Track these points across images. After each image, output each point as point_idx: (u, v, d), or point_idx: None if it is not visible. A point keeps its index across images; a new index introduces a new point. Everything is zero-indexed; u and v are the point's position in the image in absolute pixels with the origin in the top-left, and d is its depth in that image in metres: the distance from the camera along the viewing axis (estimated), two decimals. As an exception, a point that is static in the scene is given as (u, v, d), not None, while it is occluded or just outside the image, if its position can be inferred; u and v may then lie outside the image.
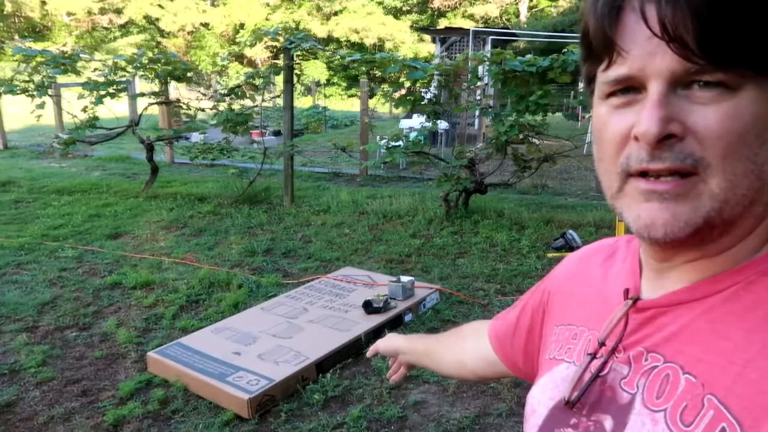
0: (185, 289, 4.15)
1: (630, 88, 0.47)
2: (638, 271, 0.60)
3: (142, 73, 6.87)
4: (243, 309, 3.78)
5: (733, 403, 0.45)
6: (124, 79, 6.82)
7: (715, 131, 0.44)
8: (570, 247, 5.28)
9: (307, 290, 4.03)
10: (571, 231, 5.45)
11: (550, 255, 5.17)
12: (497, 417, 2.72)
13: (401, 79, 5.79)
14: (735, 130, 0.44)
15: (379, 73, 6.48)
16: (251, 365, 2.89)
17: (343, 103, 25.29)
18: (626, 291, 0.59)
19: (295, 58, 6.49)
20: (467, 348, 0.98)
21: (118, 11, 30.25)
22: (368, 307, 3.58)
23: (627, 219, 0.50)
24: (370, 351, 1.13)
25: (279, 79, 7.45)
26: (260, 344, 3.15)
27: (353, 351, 3.21)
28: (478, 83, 5.81)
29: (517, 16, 30.33)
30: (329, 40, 27.17)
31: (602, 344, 0.58)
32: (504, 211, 6.39)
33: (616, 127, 0.48)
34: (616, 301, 0.60)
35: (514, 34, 13.52)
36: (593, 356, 0.59)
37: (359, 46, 25.38)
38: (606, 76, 0.49)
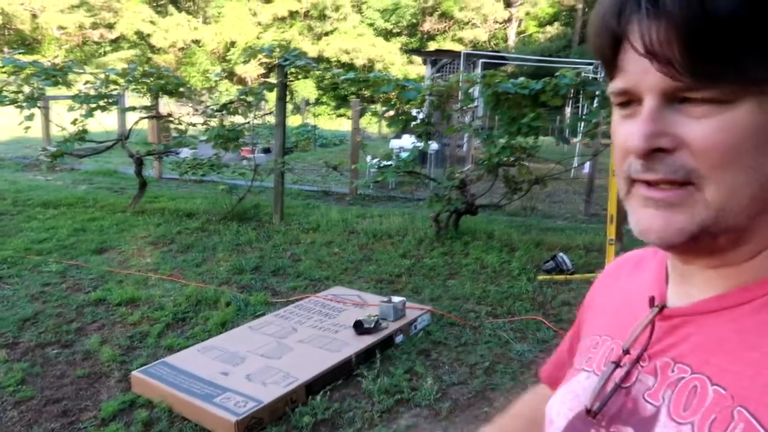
0: (171, 307, 4.07)
1: (631, 100, 0.49)
2: (665, 278, 0.59)
3: (135, 87, 6.83)
4: (231, 328, 3.71)
5: (764, 415, 0.43)
6: (115, 92, 6.77)
7: (707, 144, 0.45)
8: (560, 270, 5.28)
9: (296, 309, 3.97)
10: (561, 254, 5.45)
11: (540, 278, 5.16)
12: (490, 442, 2.66)
13: (393, 100, 5.80)
14: (728, 142, 0.44)
15: (369, 93, 6.50)
16: (239, 386, 2.82)
17: (331, 122, 25.41)
18: (652, 299, 0.58)
19: (288, 76, 6.49)
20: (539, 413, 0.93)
21: (110, 26, 30.27)
22: (359, 327, 3.53)
23: (630, 222, 0.52)
24: None
25: (270, 96, 7.43)
26: (248, 364, 3.08)
27: (344, 372, 3.15)
28: (470, 105, 5.85)
29: (505, 41, 30.83)
30: (320, 59, 27.39)
31: (627, 352, 0.57)
32: (494, 232, 6.39)
33: (621, 136, 0.51)
34: (642, 309, 0.59)
35: (504, 58, 13.72)
36: (617, 364, 0.57)
37: (349, 67, 25.63)
38: (610, 88, 0.51)
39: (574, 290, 4.89)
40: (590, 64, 7.73)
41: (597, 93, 5.15)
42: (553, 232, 6.76)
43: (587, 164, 7.88)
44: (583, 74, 5.25)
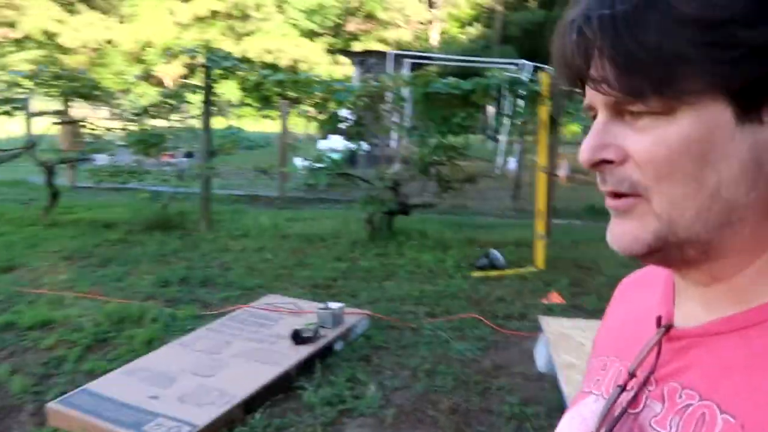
0: (91, 327, 3.78)
1: (595, 115, 0.50)
2: (672, 297, 0.57)
3: (44, 90, 6.35)
4: (158, 346, 3.48)
5: None
6: (21, 96, 6.26)
7: (646, 156, 0.45)
8: (493, 266, 5.37)
9: (229, 322, 3.79)
10: (493, 250, 5.55)
11: (474, 274, 5.22)
12: (437, 447, 2.63)
13: (322, 101, 5.70)
14: (665, 154, 0.44)
15: (296, 94, 6.34)
16: (171, 410, 2.64)
17: (255, 124, 24.86)
18: (659, 318, 0.55)
19: (213, 77, 6.23)
20: None
21: (12, 25, 28.20)
22: (297, 337, 3.40)
23: None
24: None
25: (192, 98, 7.13)
26: (180, 385, 2.89)
27: (283, 386, 3.02)
28: (395, 105, 5.84)
29: (428, 42, 31.33)
30: (242, 60, 26.67)
31: (633, 375, 0.55)
32: (427, 232, 6.42)
33: None
34: (649, 329, 0.56)
35: (431, 58, 13.85)
36: (622, 388, 0.55)
37: (273, 67, 25.09)
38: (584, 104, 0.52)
39: (508, 286, 4.98)
40: (514, 64, 7.94)
41: (524, 93, 5.27)
42: (484, 229, 6.88)
43: (513, 161, 8.08)
44: (510, 75, 5.35)
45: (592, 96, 0.48)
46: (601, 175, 0.49)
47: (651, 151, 0.45)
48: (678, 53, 0.42)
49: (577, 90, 0.52)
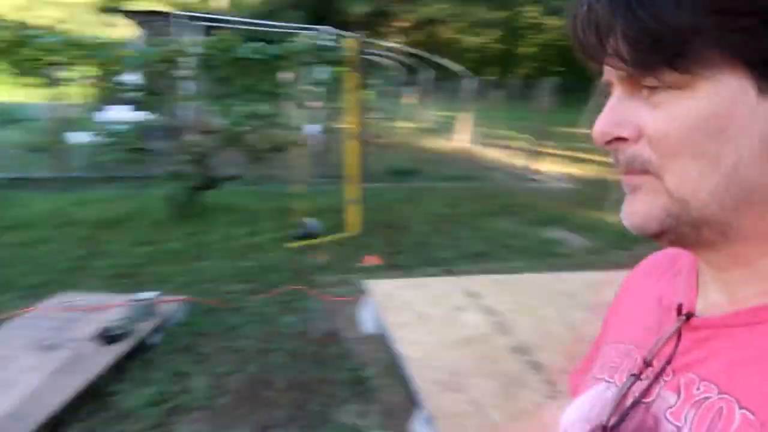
0: None
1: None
2: (695, 284, 0.55)
3: None
4: None
5: None
6: None
7: (659, 132, 0.44)
8: (309, 235, 5.35)
9: (10, 331, 3.19)
10: (307, 219, 5.52)
11: (291, 245, 5.15)
12: (280, 427, 2.55)
13: (103, 66, 5.00)
14: (679, 130, 0.43)
15: (67, 59, 5.47)
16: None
17: (11, 93, 21.21)
18: (679, 306, 0.53)
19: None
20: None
21: None
22: (105, 336, 3.00)
23: None
24: None
25: None
26: (-45, 417, 2.36)
27: (96, 394, 2.65)
28: (193, 71, 5.39)
29: (213, 2, 29.57)
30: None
31: (649, 364, 0.53)
32: (237, 205, 6.14)
33: None
34: (669, 317, 0.54)
35: (224, 21, 12.95)
36: (637, 377, 0.53)
37: (25, 27, 21.46)
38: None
39: (326, 253, 5.00)
40: (313, 29, 7.83)
41: (330, 59, 5.20)
42: (296, 198, 6.82)
43: (318, 127, 8.09)
44: (318, 42, 5.25)
45: (608, 71, 0.47)
46: (614, 155, 0.47)
47: (665, 127, 0.44)
48: (690, 24, 0.40)
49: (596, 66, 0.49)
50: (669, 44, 0.41)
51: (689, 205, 0.45)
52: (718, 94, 0.42)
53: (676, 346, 0.51)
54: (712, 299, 0.52)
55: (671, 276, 0.61)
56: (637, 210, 0.47)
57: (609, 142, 0.47)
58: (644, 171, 0.46)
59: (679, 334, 0.52)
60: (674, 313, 0.53)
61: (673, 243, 0.49)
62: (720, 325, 0.49)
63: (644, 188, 0.47)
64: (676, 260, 0.62)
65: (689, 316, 0.52)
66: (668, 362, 0.51)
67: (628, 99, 0.46)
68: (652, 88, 0.44)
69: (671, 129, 0.43)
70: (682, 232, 0.47)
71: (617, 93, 0.46)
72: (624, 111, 0.46)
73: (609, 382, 0.58)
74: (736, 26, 0.40)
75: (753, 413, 0.43)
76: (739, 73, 0.41)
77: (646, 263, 0.70)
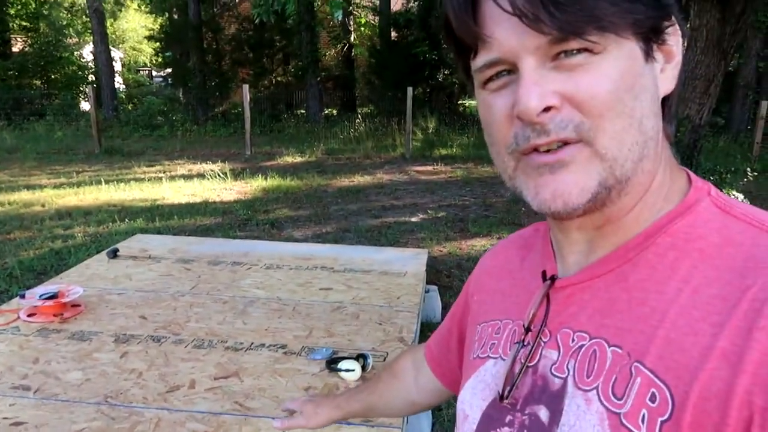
0: None
1: (503, 71, 0.49)
2: (551, 252, 0.60)
3: None
4: None
5: (659, 366, 0.45)
6: None
7: (587, 94, 0.46)
8: None
9: None
10: None
11: None
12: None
13: None
14: (605, 88, 0.46)
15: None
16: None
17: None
18: (543, 273, 0.59)
19: None
20: (410, 386, 0.91)
21: None
22: None
23: (527, 197, 0.51)
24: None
25: None
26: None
27: None
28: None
29: None
30: None
31: (528, 330, 0.57)
32: None
33: (499, 110, 0.50)
34: (536, 286, 0.59)
35: None
36: (521, 344, 0.57)
37: None
38: (476, 64, 0.50)
39: None
40: None
41: None
42: None
43: None
44: None
45: (511, 45, 0.47)
46: (540, 127, 0.47)
47: (592, 89, 0.46)
48: None
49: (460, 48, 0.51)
50: (592, 7, 0.44)
51: (617, 163, 0.47)
52: (624, 55, 0.47)
53: (548, 308, 0.56)
54: (570, 261, 0.57)
55: (526, 252, 0.66)
56: (570, 184, 0.48)
57: (543, 111, 0.47)
58: (577, 136, 0.47)
59: (548, 297, 0.57)
60: (540, 280, 0.59)
61: (597, 208, 0.50)
62: (580, 281, 0.54)
63: (575, 161, 0.47)
64: (526, 239, 0.68)
65: (553, 278, 0.57)
66: (544, 324, 0.56)
67: (541, 68, 0.47)
68: (569, 53, 0.46)
69: (598, 89, 0.46)
70: (612, 195, 0.49)
71: (530, 65, 0.46)
72: (544, 80, 0.46)
73: (494, 357, 0.61)
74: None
75: (620, 347, 0.49)
76: (632, 39, 0.47)
77: (495, 249, 0.74)
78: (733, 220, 0.49)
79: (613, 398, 0.47)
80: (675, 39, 0.51)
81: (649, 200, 0.52)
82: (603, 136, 0.47)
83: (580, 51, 0.46)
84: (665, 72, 0.51)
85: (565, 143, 0.47)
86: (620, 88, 0.46)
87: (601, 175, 0.48)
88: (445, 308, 3.77)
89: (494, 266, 0.72)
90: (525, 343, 0.57)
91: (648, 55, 0.49)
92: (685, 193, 0.53)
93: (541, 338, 0.56)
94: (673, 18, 0.50)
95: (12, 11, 20.33)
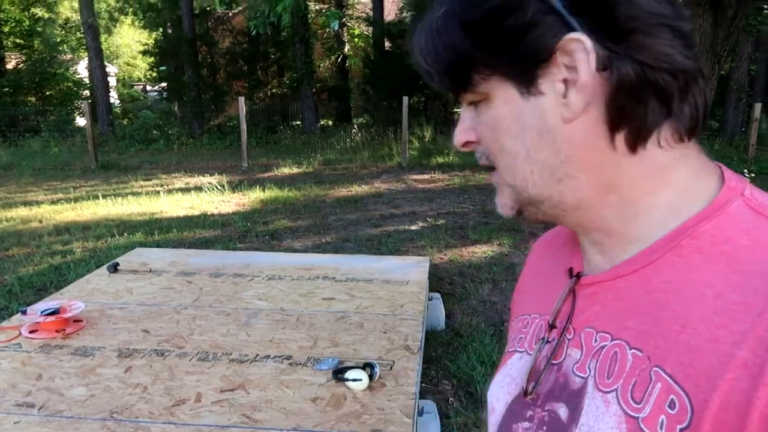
0: None
1: None
2: (578, 250, 0.61)
3: None
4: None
5: (678, 372, 0.45)
6: None
7: (482, 135, 0.55)
8: None
9: None
10: None
11: None
12: None
13: None
14: (490, 132, 0.54)
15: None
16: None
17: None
18: (570, 269, 0.60)
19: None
20: None
21: None
22: None
23: None
24: None
25: None
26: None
27: None
28: None
29: None
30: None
31: (553, 326, 0.58)
32: None
33: None
34: (563, 282, 0.60)
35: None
36: (545, 340, 0.58)
37: None
38: None
39: None
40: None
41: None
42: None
43: None
44: None
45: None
46: (476, 154, 0.58)
47: (483, 132, 0.55)
48: (464, 57, 0.52)
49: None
50: (458, 70, 0.52)
51: (518, 188, 0.55)
52: (501, 101, 0.52)
53: (573, 305, 0.57)
54: (594, 260, 0.57)
55: (559, 248, 0.67)
56: (500, 203, 0.58)
57: (464, 146, 0.57)
58: (492, 165, 0.57)
59: (573, 294, 0.57)
60: (567, 276, 0.60)
61: (534, 220, 0.58)
62: (604, 280, 0.55)
63: (498, 185, 0.57)
64: (560, 234, 0.69)
65: (579, 276, 0.58)
66: (569, 321, 0.56)
67: (467, 110, 0.57)
68: (473, 102, 0.55)
69: (486, 132, 0.55)
70: (531, 211, 0.56)
71: (463, 107, 0.57)
72: (468, 120, 0.57)
73: (520, 352, 0.63)
74: (491, 48, 0.50)
75: (641, 350, 0.49)
76: (505, 84, 0.52)
77: (536, 246, 0.76)
78: (765, 221, 0.48)
79: (632, 402, 0.47)
80: (581, 57, 0.47)
81: (657, 214, 0.52)
82: (500, 167, 0.55)
83: (477, 102, 0.55)
84: (569, 97, 0.49)
85: (487, 168, 0.57)
86: (498, 131, 0.53)
87: (512, 197, 0.56)
88: (449, 316, 3.76)
89: (531, 263, 0.74)
90: (549, 340, 0.58)
91: (525, 91, 0.51)
92: (716, 193, 0.51)
93: (566, 335, 0.56)
94: (578, 36, 0.46)
95: (6, 29, 20.41)
